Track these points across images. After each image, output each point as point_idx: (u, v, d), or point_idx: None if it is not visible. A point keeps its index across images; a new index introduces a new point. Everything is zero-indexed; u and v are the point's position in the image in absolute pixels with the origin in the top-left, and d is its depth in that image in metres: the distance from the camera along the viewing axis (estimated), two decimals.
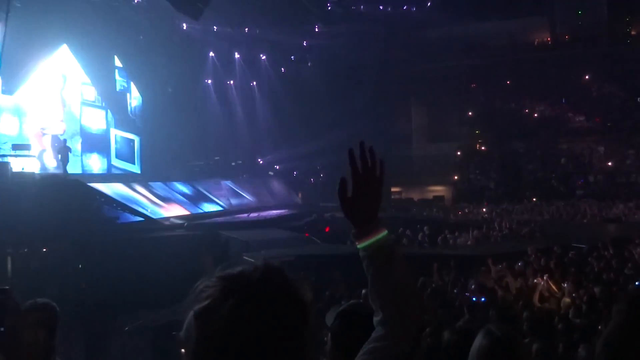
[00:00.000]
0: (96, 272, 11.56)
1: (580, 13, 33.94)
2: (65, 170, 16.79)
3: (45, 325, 2.36)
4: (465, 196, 30.77)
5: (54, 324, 2.40)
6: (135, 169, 23.74)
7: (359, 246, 1.22)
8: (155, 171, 23.01)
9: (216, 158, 25.13)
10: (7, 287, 2.49)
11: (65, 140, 17.47)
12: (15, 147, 16.29)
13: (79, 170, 19.88)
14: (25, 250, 11.70)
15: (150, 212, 16.41)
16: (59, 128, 19.55)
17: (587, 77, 34.42)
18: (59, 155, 17.04)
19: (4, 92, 17.67)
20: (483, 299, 6.93)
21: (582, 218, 20.71)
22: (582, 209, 22.57)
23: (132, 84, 24.13)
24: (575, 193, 28.90)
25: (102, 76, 22.15)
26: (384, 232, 1.22)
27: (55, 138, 17.64)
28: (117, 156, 23.04)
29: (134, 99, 24.41)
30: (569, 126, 32.84)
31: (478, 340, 1.73)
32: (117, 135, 23.15)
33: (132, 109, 24.45)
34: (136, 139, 23.96)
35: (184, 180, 22.48)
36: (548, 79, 34.82)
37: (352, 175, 1.23)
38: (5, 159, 15.48)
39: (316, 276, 9.31)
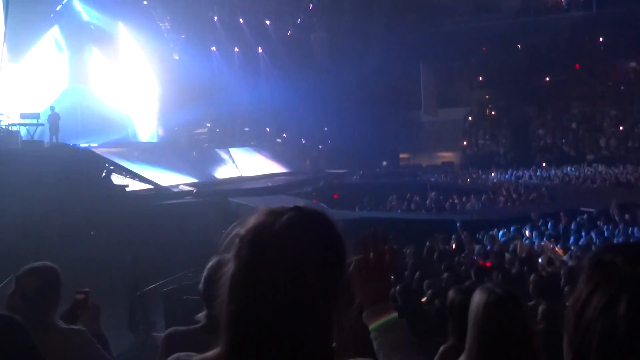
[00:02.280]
0: (107, 239, 11.74)
1: None
2: (54, 139, 16.37)
3: (23, 294, 2.15)
4: (474, 162, 30.61)
5: (37, 293, 2.17)
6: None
7: (370, 327, 1.29)
8: (161, 139, 23.07)
9: (217, 130, 25.02)
10: (87, 289, 2.51)
11: (53, 108, 16.86)
12: (24, 116, 16.30)
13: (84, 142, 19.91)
14: (37, 218, 11.87)
15: (159, 180, 16.51)
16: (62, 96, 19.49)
17: (601, 39, 33.57)
18: (49, 124, 16.43)
19: (10, 60, 17.59)
20: (489, 263, 6.98)
21: (592, 183, 20.58)
22: (592, 174, 22.40)
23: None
24: (586, 158, 28.63)
25: (107, 44, 21.97)
26: (394, 314, 1.30)
27: (52, 108, 17.24)
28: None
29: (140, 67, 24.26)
30: (581, 90, 32.24)
31: (479, 298, 1.71)
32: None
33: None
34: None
35: (192, 148, 22.51)
36: (561, 42, 34.02)
37: (363, 259, 1.31)
38: (15, 128, 15.54)
39: None
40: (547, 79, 33.62)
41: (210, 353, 0.98)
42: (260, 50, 29.24)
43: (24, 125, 15.94)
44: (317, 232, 0.93)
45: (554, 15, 33.20)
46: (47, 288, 2.22)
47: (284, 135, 30.03)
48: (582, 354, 0.71)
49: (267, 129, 29.54)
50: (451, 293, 2.35)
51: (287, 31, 30.01)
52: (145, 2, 22.60)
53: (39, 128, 16.22)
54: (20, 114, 16.45)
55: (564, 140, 30.69)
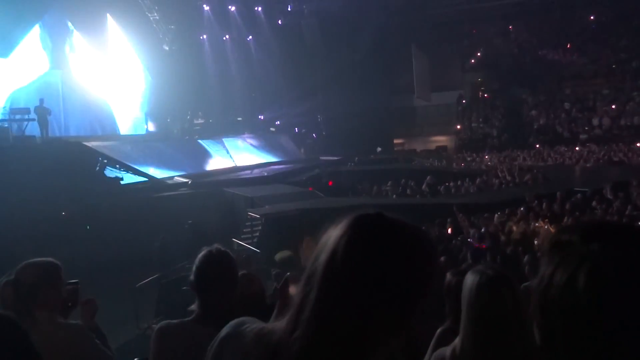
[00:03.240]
0: (103, 232, 11.73)
1: None
2: (44, 134, 16.11)
3: (18, 287, 2.16)
4: (468, 145, 30.66)
5: (33, 287, 2.18)
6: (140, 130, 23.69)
7: None
8: (154, 130, 22.95)
9: (210, 121, 24.86)
10: (76, 280, 2.49)
11: (42, 100, 16.50)
12: (14, 111, 16.14)
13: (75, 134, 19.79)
14: (32, 214, 11.83)
15: (153, 172, 16.46)
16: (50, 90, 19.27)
17: (592, 17, 33.52)
18: (37, 117, 16.00)
19: None
20: (485, 245, 7.02)
21: (585, 162, 20.68)
22: (585, 153, 22.51)
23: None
24: (579, 138, 28.72)
25: (95, 36, 21.72)
26: None
27: (41, 101, 16.91)
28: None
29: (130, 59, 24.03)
30: (573, 70, 32.24)
31: (471, 280, 1.73)
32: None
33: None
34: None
35: (185, 139, 22.41)
36: (552, 22, 33.97)
37: None
38: (5, 124, 15.41)
39: (320, 229, 9.41)
40: (539, 59, 33.58)
41: (275, 324, 0.96)
42: (250, 38, 28.98)
43: (15, 120, 15.80)
44: (407, 248, 0.87)
45: None
46: (43, 282, 2.20)
47: (277, 123, 29.93)
48: (548, 334, 0.74)
49: (260, 117, 29.41)
50: (448, 276, 2.37)
51: (277, 18, 29.75)
52: None
53: (30, 123, 16.07)
54: (10, 109, 16.30)
55: (557, 121, 30.74)
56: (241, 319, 1.06)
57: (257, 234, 12.36)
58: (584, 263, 0.71)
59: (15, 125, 15.59)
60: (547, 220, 7.83)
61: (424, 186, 16.68)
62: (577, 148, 25.04)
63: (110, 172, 15.01)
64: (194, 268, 2.10)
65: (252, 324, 1.02)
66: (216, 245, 2.15)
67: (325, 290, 0.86)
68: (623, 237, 0.73)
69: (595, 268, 0.69)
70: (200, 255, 2.10)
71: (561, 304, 0.71)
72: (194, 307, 2.11)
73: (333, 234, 0.90)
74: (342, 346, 0.85)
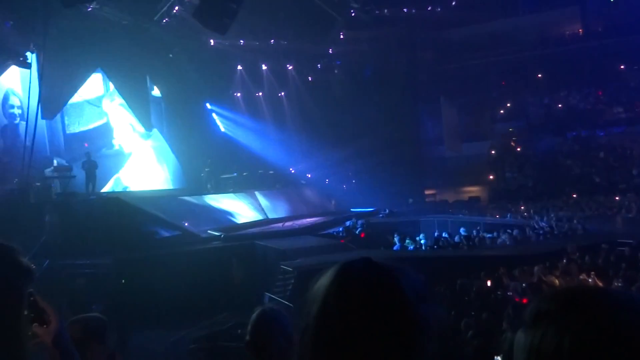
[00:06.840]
0: (138, 286, 11.81)
1: (612, 1, 32.96)
2: (90, 188, 16.60)
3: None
4: (502, 195, 30.12)
5: (80, 341, 2.16)
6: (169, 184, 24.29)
7: None
8: (188, 185, 23.47)
9: (244, 174, 25.28)
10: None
11: (88, 154, 17.19)
12: (57, 169, 16.84)
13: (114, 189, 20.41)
14: (70, 268, 12.07)
15: (187, 226, 16.68)
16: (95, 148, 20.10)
17: (622, 67, 33.32)
18: (85, 172, 16.64)
19: (43, 117, 18.33)
20: (526, 300, 6.75)
21: (628, 212, 19.96)
22: (626, 203, 21.77)
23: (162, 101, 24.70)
24: (618, 187, 27.86)
25: (135, 97, 22.76)
26: None
27: (87, 155, 17.53)
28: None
29: (165, 116, 24.99)
30: (607, 118, 31.76)
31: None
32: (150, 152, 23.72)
33: (164, 126, 25.02)
34: (171, 158, 24.52)
35: (218, 193, 22.74)
36: (582, 72, 33.88)
37: None
38: (48, 181, 16.05)
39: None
40: (571, 108, 33.30)
41: None
42: (282, 94, 29.91)
43: (58, 177, 16.45)
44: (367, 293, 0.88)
45: (572, 46, 33.21)
46: (91, 338, 2.27)
47: (308, 176, 30.19)
48: None
49: (291, 170, 29.78)
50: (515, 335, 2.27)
51: (308, 75, 30.69)
52: (171, 56, 23.51)
53: (72, 180, 16.69)
54: (53, 167, 17.01)
55: (593, 170, 30.02)
56: None
57: (290, 287, 12.22)
58: (565, 331, 0.75)
59: (58, 182, 16.22)
60: (593, 273, 7.50)
61: (457, 237, 16.34)
62: (617, 198, 24.26)
63: (146, 227, 15.30)
64: (249, 327, 2.11)
65: None
66: (268, 305, 2.19)
67: (320, 341, 0.86)
68: (598, 303, 0.77)
69: (576, 338, 0.73)
70: (254, 316, 2.12)
71: None
72: None
73: (322, 283, 0.90)
74: None
